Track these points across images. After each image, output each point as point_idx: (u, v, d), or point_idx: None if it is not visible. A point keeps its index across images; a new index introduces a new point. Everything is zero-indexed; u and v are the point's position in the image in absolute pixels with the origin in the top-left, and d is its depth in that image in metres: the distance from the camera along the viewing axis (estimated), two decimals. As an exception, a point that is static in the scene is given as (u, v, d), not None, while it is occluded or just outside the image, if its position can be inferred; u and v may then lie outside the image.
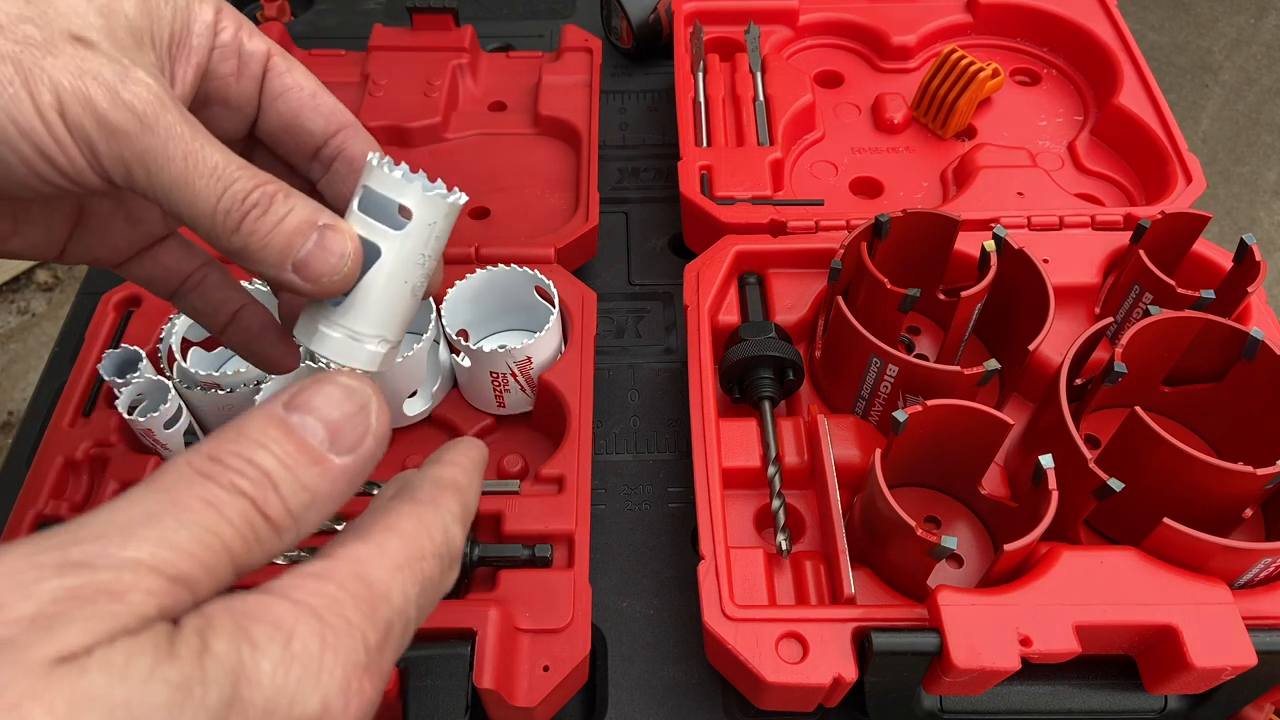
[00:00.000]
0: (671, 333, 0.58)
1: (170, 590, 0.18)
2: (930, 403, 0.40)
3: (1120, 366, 0.41)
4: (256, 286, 0.48)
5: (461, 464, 0.27)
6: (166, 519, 0.19)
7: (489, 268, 0.50)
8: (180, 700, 0.17)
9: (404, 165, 0.29)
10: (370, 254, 0.29)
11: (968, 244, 0.51)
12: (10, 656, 0.16)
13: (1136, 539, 0.39)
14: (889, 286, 0.45)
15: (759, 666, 0.37)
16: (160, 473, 0.20)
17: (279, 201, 0.27)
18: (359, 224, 0.29)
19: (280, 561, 0.39)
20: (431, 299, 0.49)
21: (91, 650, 0.17)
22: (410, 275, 0.29)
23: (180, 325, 0.49)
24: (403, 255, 0.29)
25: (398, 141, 0.65)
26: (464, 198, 0.30)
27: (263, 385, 0.46)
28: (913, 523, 0.36)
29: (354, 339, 0.29)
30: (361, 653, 0.20)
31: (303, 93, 0.32)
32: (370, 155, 0.29)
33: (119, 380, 0.45)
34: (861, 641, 0.38)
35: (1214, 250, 0.51)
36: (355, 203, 0.29)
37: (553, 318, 0.48)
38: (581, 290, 0.52)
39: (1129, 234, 0.51)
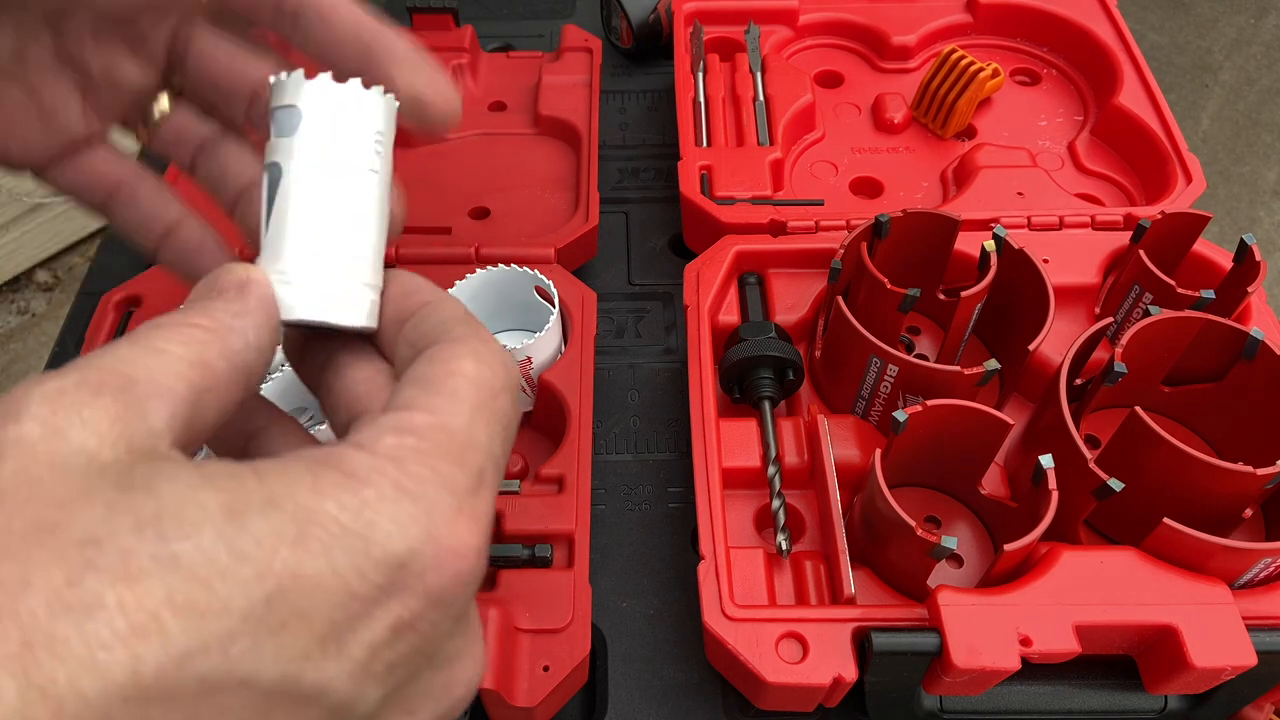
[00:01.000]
0: (671, 333, 0.58)
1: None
2: (930, 403, 0.40)
3: (1120, 366, 0.41)
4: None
5: (454, 299, 0.26)
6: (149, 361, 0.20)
7: (489, 268, 0.50)
8: (235, 528, 0.17)
9: (324, 75, 0.25)
10: (273, 177, 0.25)
11: (968, 244, 0.51)
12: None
13: (1136, 539, 0.39)
14: (889, 286, 0.45)
15: (759, 666, 0.37)
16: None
17: None
18: (270, 151, 0.26)
19: None
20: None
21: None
22: (332, 187, 0.25)
23: (180, 325, 0.49)
24: (306, 163, 0.25)
25: (397, 142, 0.64)
26: (359, 88, 0.26)
27: (262, 385, 0.46)
28: (913, 523, 0.36)
29: (282, 282, 0.25)
30: (449, 498, 0.20)
31: None
32: (271, 76, 0.26)
33: (119, 380, 0.45)
34: (861, 641, 0.38)
35: (1214, 250, 0.51)
36: (270, 129, 0.26)
37: (553, 318, 0.48)
38: (581, 290, 0.52)
39: (1129, 234, 0.51)
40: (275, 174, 0.25)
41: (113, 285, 0.53)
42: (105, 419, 0.18)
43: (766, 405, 0.46)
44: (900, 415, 0.39)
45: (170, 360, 0.20)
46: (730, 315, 0.51)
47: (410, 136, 0.64)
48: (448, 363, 0.22)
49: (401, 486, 0.19)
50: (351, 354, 0.26)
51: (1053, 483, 0.37)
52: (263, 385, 0.45)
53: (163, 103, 0.34)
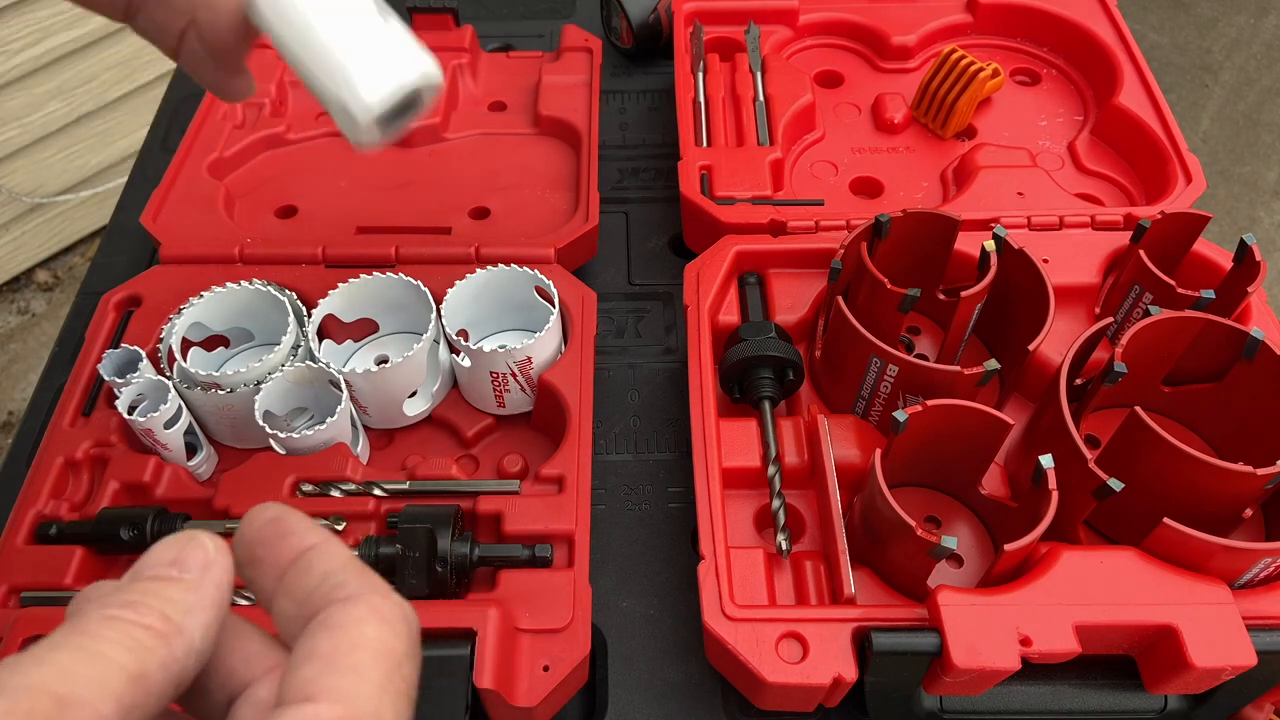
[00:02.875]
0: (671, 333, 0.58)
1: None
2: (930, 403, 0.40)
3: (1120, 366, 0.41)
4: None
5: (336, 541, 0.23)
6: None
7: (489, 268, 0.50)
8: None
9: None
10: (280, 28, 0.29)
11: (968, 244, 0.51)
12: None
13: (1136, 539, 0.39)
14: (889, 286, 0.45)
15: (759, 666, 0.37)
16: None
17: None
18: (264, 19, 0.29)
19: None
20: (432, 301, 0.50)
21: None
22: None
23: (180, 325, 0.49)
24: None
25: (398, 141, 0.65)
26: None
27: (262, 385, 0.46)
28: (913, 523, 0.36)
29: (351, 94, 0.29)
30: None
31: None
32: None
33: (119, 380, 0.45)
34: (861, 641, 0.38)
35: (1214, 250, 0.51)
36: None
37: (553, 318, 0.48)
38: (581, 290, 0.52)
39: (1129, 234, 0.51)
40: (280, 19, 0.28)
41: (113, 285, 0.53)
42: None
43: (766, 405, 0.46)
44: (900, 415, 0.39)
45: (109, 672, 0.19)
46: (730, 315, 0.51)
47: (410, 136, 0.64)
48: (348, 630, 0.20)
49: None
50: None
51: (1053, 483, 0.37)
52: (262, 387, 0.45)
53: None
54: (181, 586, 0.21)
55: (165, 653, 0.19)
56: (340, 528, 0.43)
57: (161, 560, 0.21)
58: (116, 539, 0.42)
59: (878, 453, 0.39)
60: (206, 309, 0.50)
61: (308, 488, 0.44)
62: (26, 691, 0.17)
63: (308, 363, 0.47)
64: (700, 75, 0.64)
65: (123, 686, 0.18)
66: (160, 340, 0.50)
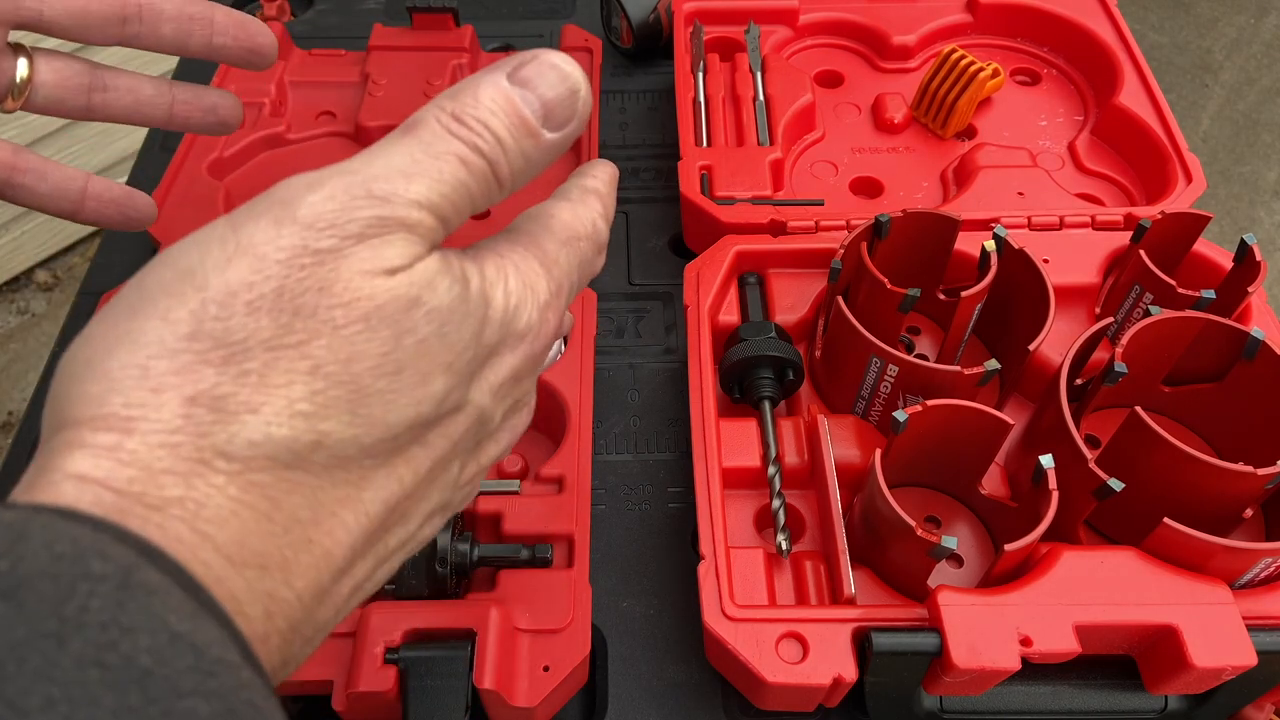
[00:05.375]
0: (671, 333, 0.58)
1: (439, 227, 0.24)
2: (930, 403, 0.40)
3: (1120, 366, 0.41)
4: None
5: (600, 177, 0.31)
6: (432, 169, 0.23)
7: (489, 268, 0.50)
8: (462, 306, 0.24)
9: None
10: None
11: (968, 244, 0.51)
12: (352, 266, 0.22)
13: (1137, 539, 0.39)
14: (889, 286, 0.45)
15: (759, 666, 0.37)
16: (416, 124, 0.24)
17: None
18: None
19: None
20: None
21: (409, 266, 0.22)
22: None
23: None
24: None
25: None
26: None
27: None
28: (913, 523, 0.36)
29: None
30: (546, 294, 0.27)
31: None
32: None
33: (119, 380, 0.45)
34: (861, 642, 0.38)
35: (1214, 250, 0.51)
36: None
37: (553, 318, 0.48)
38: (581, 290, 0.52)
39: (1129, 234, 0.51)
40: None
41: (113, 285, 0.53)
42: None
43: (766, 405, 0.46)
44: (900, 415, 0.39)
45: (437, 185, 0.24)
46: (730, 315, 0.51)
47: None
48: (552, 206, 0.29)
49: (525, 282, 0.26)
50: None
51: (1053, 483, 0.37)
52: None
53: (21, 69, 0.38)
54: (538, 147, 0.26)
55: (485, 192, 0.25)
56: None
57: (540, 104, 0.26)
58: (116, 539, 0.42)
59: (878, 453, 0.39)
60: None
61: (307, 488, 0.44)
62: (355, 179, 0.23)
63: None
64: (700, 75, 0.64)
65: (440, 201, 0.24)
66: (160, 340, 0.50)
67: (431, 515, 0.26)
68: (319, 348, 0.21)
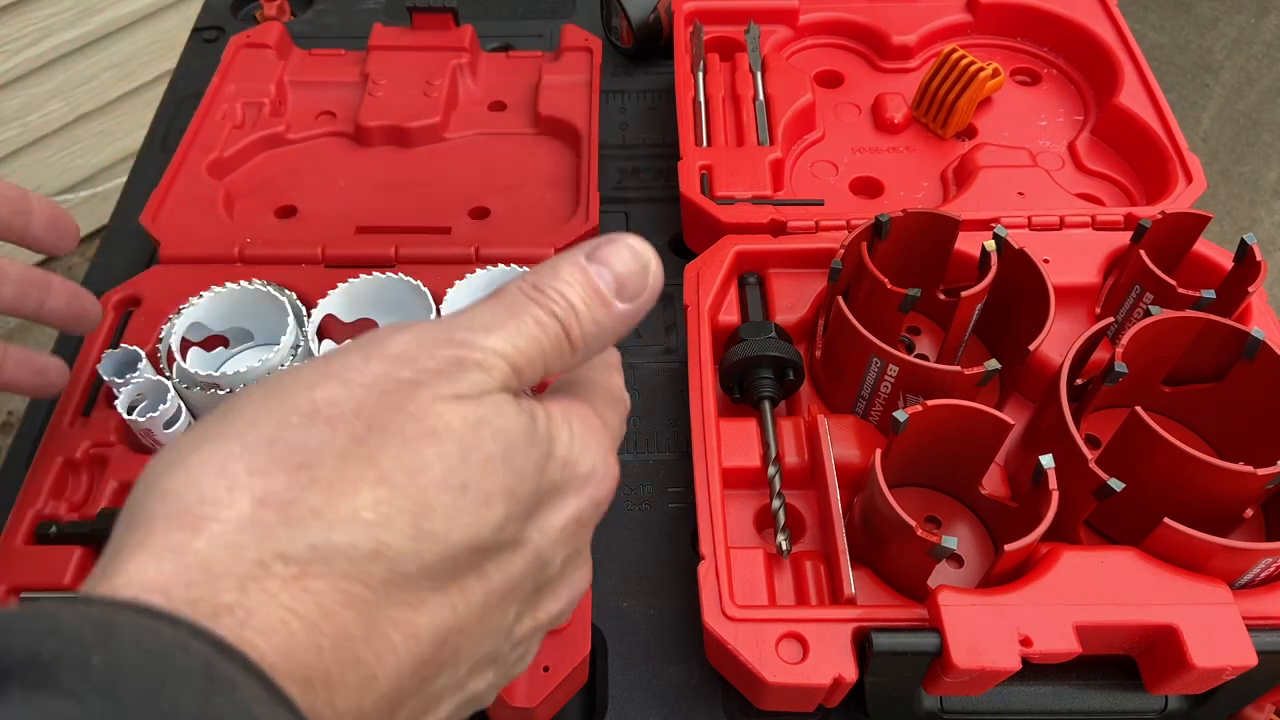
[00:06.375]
0: (671, 333, 0.58)
1: (513, 374, 0.25)
2: (930, 403, 0.40)
3: (1121, 366, 0.41)
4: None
5: (614, 357, 0.33)
6: (510, 325, 0.26)
7: (489, 268, 0.50)
8: (528, 435, 0.25)
9: None
10: None
11: (968, 244, 0.50)
12: (428, 392, 0.23)
13: (1137, 539, 0.39)
14: (889, 286, 0.45)
15: (759, 667, 0.37)
16: (501, 292, 0.27)
17: None
18: None
19: None
20: (432, 301, 0.50)
21: (480, 395, 0.24)
22: None
23: (180, 325, 0.49)
24: None
25: (397, 141, 0.65)
26: None
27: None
28: (913, 523, 0.36)
29: None
30: (607, 442, 0.29)
31: None
32: None
33: (118, 380, 0.45)
34: (862, 642, 0.38)
35: (1214, 250, 0.51)
36: None
37: (553, 318, 0.48)
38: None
39: (1129, 234, 0.51)
40: None
41: (113, 285, 0.53)
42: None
43: (766, 405, 0.46)
44: (900, 415, 0.39)
45: (519, 344, 0.26)
46: (730, 315, 0.51)
47: (410, 136, 0.64)
48: (586, 373, 0.31)
49: (589, 428, 0.28)
50: None
51: (1053, 483, 0.37)
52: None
53: None
54: (610, 316, 0.28)
55: (558, 354, 0.27)
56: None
57: (613, 277, 0.28)
58: (116, 539, 0.42)
59: (878, 453, 0.39)
60: (206, 309, 0.50)
61: (307, 488, 0.44)
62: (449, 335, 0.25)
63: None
64: (700, 75, 0.64)
65: (521, 362, 0.26)
66: (160, 340, 0.50)
67: (482, 665, 0.26)
68: (388, 458, 0.22)
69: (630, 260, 0.28)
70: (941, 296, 0.51)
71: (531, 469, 0.25)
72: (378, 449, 0.22)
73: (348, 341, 0.25)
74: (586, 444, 0.28)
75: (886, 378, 0.44)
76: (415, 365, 0.24)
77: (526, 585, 0.27)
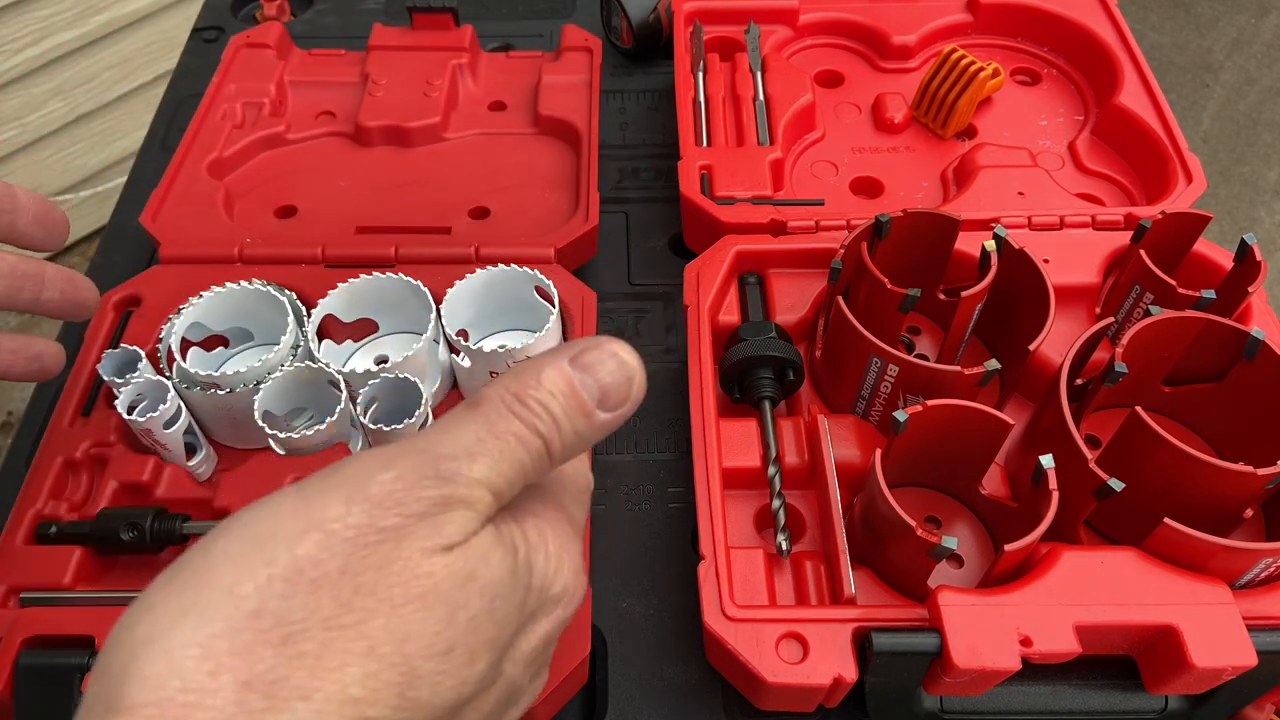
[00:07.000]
0: (671, 333, 0.58)
1: (494, 503, 0.26)
2: (930, 403, 0.40)
3: (1121, 366, 0.41)
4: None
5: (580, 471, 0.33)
6: (494, 449, 0.25)
7: (489, 268, 0.50)
8: (510, 579, 0.25)
9: None
10: None
11: (968, 244, 0.50)
12: (414, 546, 0.23)
13: (1137, 539, 0.39)
14: (889, 286, 0.45)
15: (759, 667, 0.37)
16: (481, 400, 0.26)
17: None
18: None
19: None
20: (432, 301, 0.50)
21: (465, 542, 0.24)
22: None
23: (180, 325, 0.49)
24: None
25: (397, 141, 0.65)
26: None
27: (262, 386, 0.46)
28: (913, 523, 0.36)
29: None
30: (577, 556, 0.29)
31: None
32: None
33: (118, 380, 0.45)
34: (862, 642, 0.38)
35: (1214, 250, 0.51)
36: None
37: (553, 318, 0.48)
38: (581, 290, 0.52)
39: (1129, 234, 0.51)
40: None
41: (113, 285, 0.53)
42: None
43: (766, 405, 0.46)
44: (900, 415, 0.39)
45: (501, 466, 0.26)
46: (730, 315, 0.51)
47: (410, 136, 0.64)
48: (562, 478, 0.31)
49: (562, 547, 0.29)
50: None
51: (1053, 483, 0.37)
52: (261, 387, 0.45)
53: None
54: (591, 426, 0.27)
55: (538, 469, 0.27)
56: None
57: (598, 388, 0.27)
58: (116, 539, 0.42)
59: (878, 453, 0.39)
60: (206, 309, 0.50)
61: (307, 488, 0.44)
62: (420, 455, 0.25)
63: (307, 363, 0.47)
64: (700, 75, 0.64)
65: (502, 482, 0.26)
66: (160, 340, 0.50)
67: None
68: (376, 627, 0.22)
69: (616, 371, 0.27)
70: (941, 296, 0.50)
71: (514, 612, 0.26)
72: (366, 616, 0.22)
73: (328, 469, 0.24)
74: (560, 564, 0.28)
75: (886, 378, 0.44)
76: (400, 510, 0.23)
77: (496, 711, 0.27)
